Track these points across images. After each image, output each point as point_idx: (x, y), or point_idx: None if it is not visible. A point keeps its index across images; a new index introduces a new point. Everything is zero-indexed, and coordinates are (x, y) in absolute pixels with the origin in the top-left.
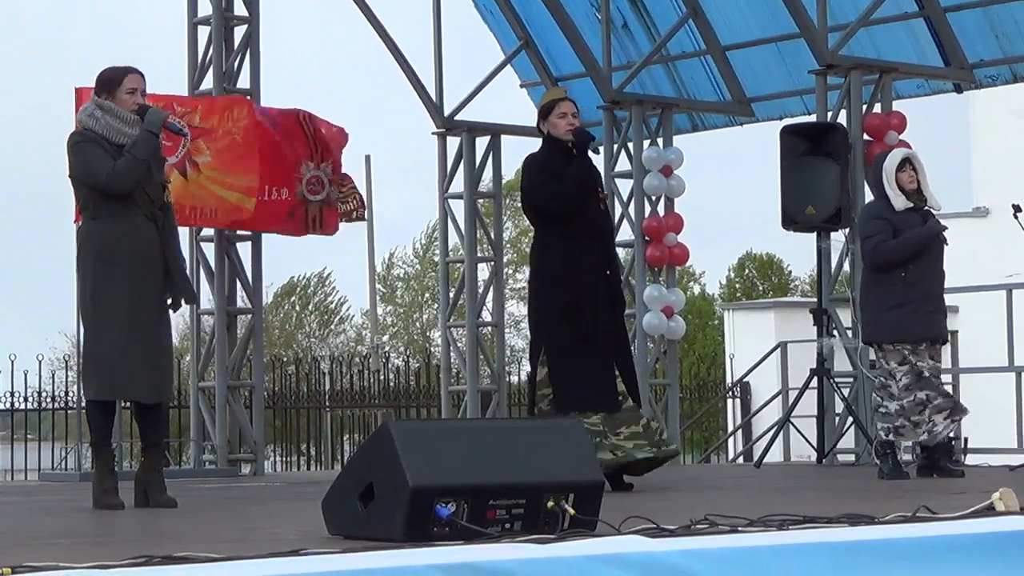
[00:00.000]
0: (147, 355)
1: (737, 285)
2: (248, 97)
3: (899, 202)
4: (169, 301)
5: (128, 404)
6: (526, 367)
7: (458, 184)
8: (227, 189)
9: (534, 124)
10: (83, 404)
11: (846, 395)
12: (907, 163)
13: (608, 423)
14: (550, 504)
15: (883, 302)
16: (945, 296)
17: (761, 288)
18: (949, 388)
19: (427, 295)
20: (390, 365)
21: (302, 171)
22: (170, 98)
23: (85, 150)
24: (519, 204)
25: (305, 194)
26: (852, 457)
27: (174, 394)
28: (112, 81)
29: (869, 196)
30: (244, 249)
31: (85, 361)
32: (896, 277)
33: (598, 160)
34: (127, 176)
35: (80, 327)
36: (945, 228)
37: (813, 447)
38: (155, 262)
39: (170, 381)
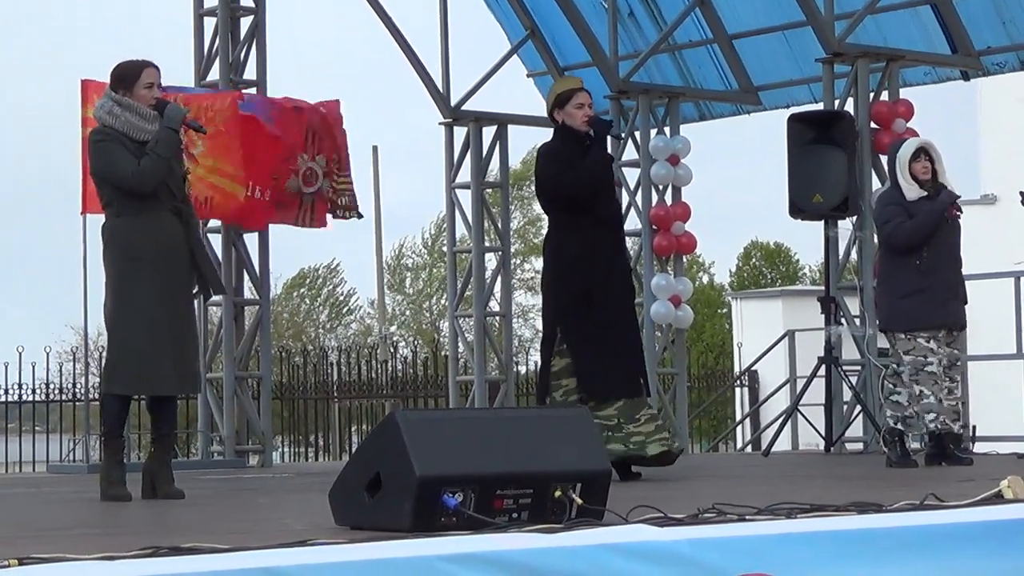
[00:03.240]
0: (174, 349)
1: (745, 274)
2: (251, 90)
3: (911, 192)
4: (195, 290)
5: (139, 396)
6: (534, 357)
7: (465, 174)
8: (221, 176)
9: (540, 113)
10: (91, 396)
11: (854, 383)
12: (922, 153)
13: (626, 412)
14: (557, 493)
15: (898, 289)
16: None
17: (769, 277)
18: (956, 384)
19: (436, 285)
20: (398, 355)
21: (298, 163)
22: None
23: (108, 149)
24: (525, 194)
25: (301, 187)
26: (860, 445)
27: (201, 383)
28: (129, 76)
29: (876, 184)
30: (251, 240)
31: (112, 357)
32: (911, 264)
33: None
34: (152, 176)
35: (88, 320)
36: (958, 197)
37: (821, 435)
38: (181, 256)
39: (198, 373)
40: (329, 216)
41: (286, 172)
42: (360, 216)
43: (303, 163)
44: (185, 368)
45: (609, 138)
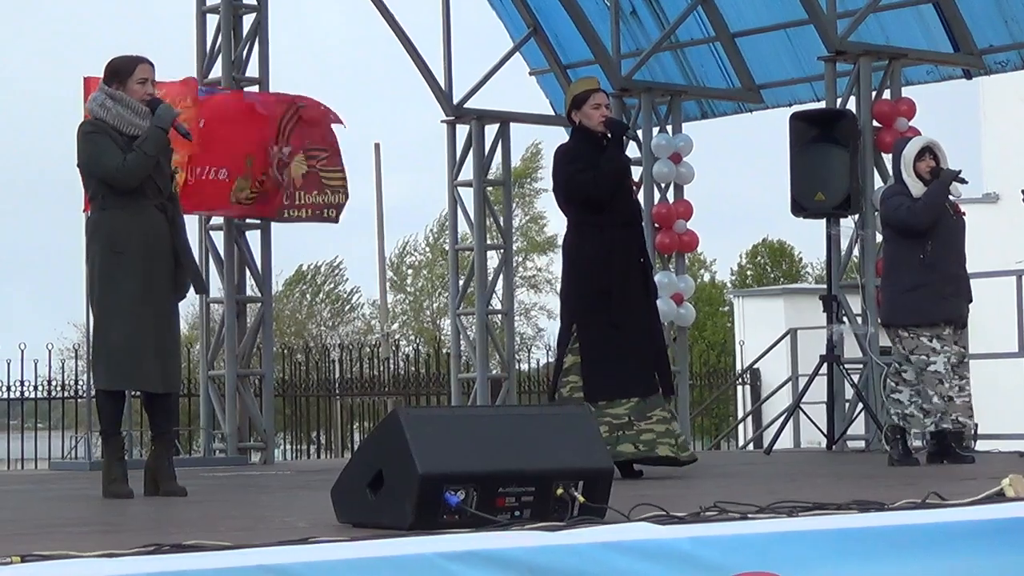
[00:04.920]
0: (156, 345)
1: (748, 272)
2: (253, 87)
3: (916, 189)
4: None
5: (138, 393)
6: (536, 355)
7: (467, 172)
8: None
9: (542, 111)
10: (93, 393)
11: (856, 381)
12: (927, 152)
13: (637, 411)
14: (559, 491)
15: (901, 283)
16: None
17: (772, 275)
18: (966, 380)
19: (438, 283)
20: (400, 353)
21: (271, 155)
22: None
23: (95, 141)
24: (526, 191)
25: (278, 176)
26: (862, 443)
27: (184, 383)
28: (123, 71)
29: (878, 182)
30: (253, 237)
31: (95, 350)
32: (915, 259)
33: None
34: (136, 172)
35: (89, 317)
36: (960, 170)
37: (823, 433)
38: (165, 252)
39: (178, 370)
40: (307, 211)
41: (265, 166)
42: (335, 220)
43: (276, 154)
44: (167, 365)
45: (626, 139)
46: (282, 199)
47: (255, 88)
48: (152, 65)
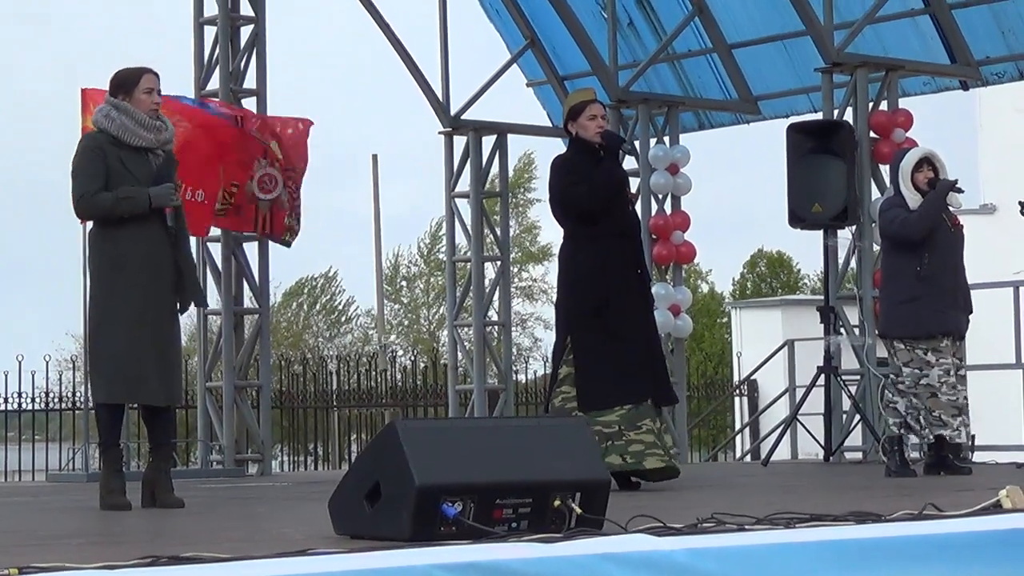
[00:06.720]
0: (157, 358)
1: (748, 283)
2: (251, 99)
3: (913, 201)
4: (178, 304)
5: (135, 406)
6: (533, 366)
7: (464, 183)
8: None
9: (539, 122)
10: (91, 405)
11: (853, 393)
12: (924, 163)
13: (628, 419)
14: (557, 503)
15: (897, 295)
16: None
17: (770, 286)
18: (963, 391)
19: (434, 294)
20: (397, 364)
21: (254, 168)
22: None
23: (81, 159)
24: (520, 201)
25: (256, 192)
26: (859, 455)
27: (183, 396)
28: (129, 81)
29: (876, 194)
30: (251, 249)
31: (94, 364)
32: (912, 271)
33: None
34: (94, 211)
35: (87, 330)
36: (956, 180)
37: (820, 445)
38: (165, 266)
39: (179, 383)
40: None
41: (242, 178)
42: (287, 244)
43: (259, 168)
44: (167, 379)
45: (623, 152)
46: (255, 213)
47: (253, 99)
48: (157, 75)
